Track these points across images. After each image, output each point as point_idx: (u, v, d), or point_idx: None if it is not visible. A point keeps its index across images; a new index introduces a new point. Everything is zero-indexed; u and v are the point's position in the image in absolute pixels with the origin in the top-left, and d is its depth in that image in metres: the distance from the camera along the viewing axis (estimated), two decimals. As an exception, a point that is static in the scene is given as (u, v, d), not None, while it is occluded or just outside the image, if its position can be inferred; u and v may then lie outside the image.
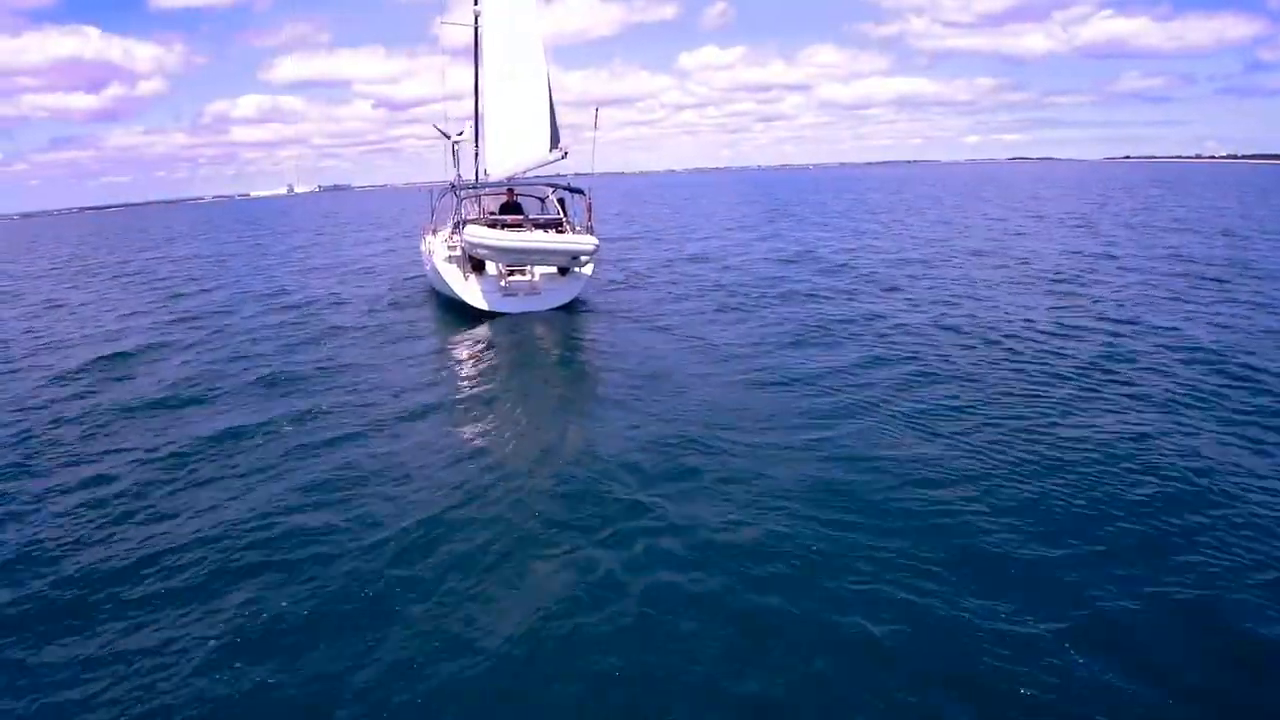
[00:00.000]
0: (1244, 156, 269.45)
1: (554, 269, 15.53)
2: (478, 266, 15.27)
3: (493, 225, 15.22)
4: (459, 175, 16.63)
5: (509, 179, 18.02)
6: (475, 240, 14.23)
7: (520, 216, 15.97)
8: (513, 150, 17.49)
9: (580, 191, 16.33)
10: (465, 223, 15.48)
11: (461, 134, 17.06)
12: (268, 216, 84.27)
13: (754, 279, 19.24)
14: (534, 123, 16.78)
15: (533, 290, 15.24)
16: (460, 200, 17.33)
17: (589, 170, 16.07)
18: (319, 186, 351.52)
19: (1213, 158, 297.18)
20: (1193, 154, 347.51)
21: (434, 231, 17.90)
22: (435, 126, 17.64)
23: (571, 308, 15.34)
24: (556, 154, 16.29)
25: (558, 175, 17.03)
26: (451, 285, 15.22)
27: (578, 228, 15.85)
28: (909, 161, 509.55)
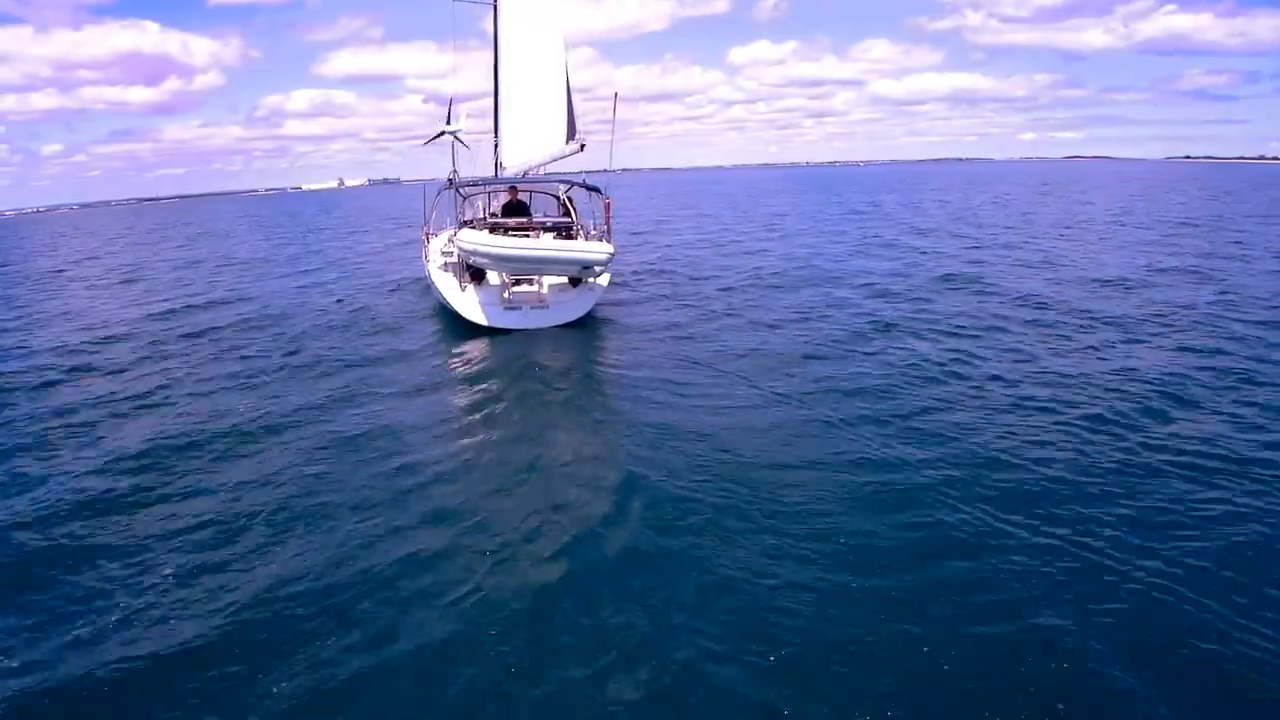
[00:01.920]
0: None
1: (564, 279, 13.52)
2: (476, 275, 13.40)
3: (493, 229, 13.28)
4: (455, 171, 14.57)
5: (524, 174, 16.37)
6: (469, 246, 12.33)
7: (524, 219, 13.99)
8: (528, 143, 16.22)
9: (597, 190, 14.39)
10: (463, 225, 13.61)
11: (456, 125, 14.83)
12: (306, 211, 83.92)
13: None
14: (550, 114, 15.37)
15: (539, 303, 13.26)
16: (464, 199, 15.51)
17: (614, 165, 14.08)
18: (368, 180, 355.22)
19: (1276, 159, 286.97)
20: (1256, 155, 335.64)
21: (434, 234, 16.03)
22: (430, 141, 15.87)
23: (585, 324, 13.34)
24: (572, 146, 14.46)
25: (576, 172, 15.09)
26: (446, 296, 13.36)
27: (592, 232, 13.86)
28: (961, 159, 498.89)
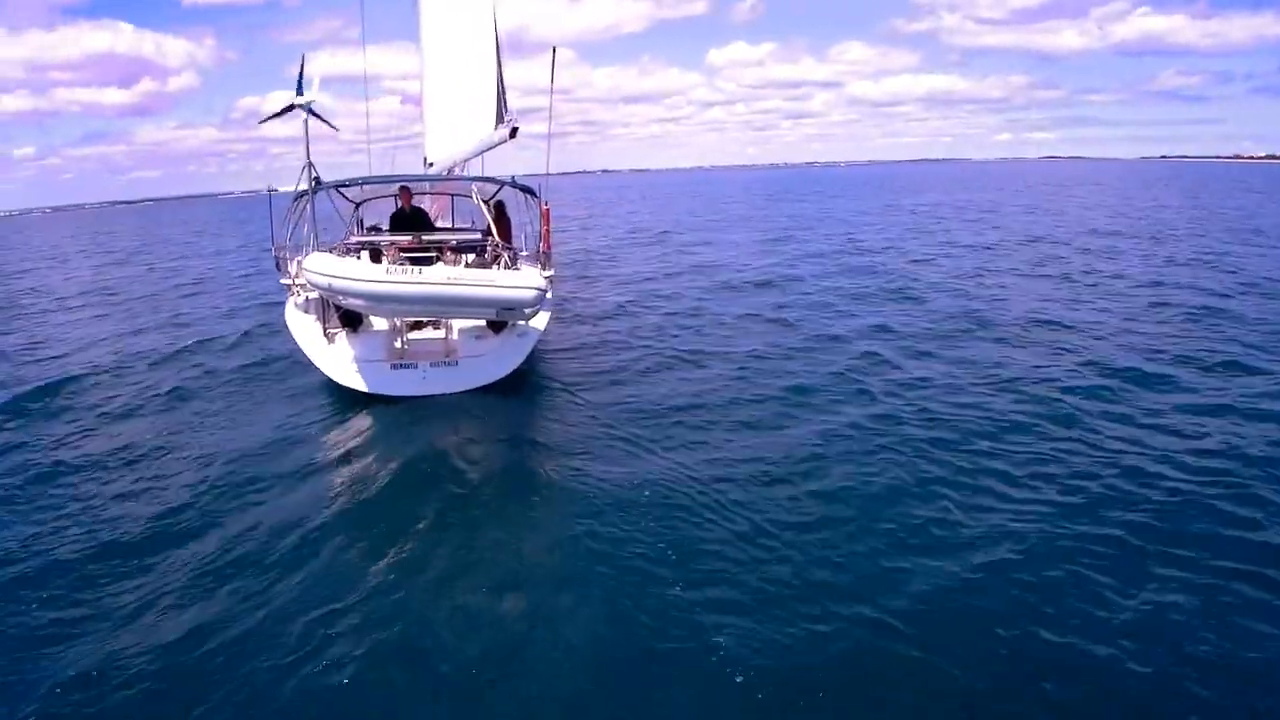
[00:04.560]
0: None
1: (481, 321, 9.31)
2: (350, 319, 9.10)
3: (372, 252, 8.99)
4: (311, 164, 9.37)
5: (449, 171, 12.46)
6: (320, 279, 7.97)
7: (416, 235, 9.57)
8: (455, 133, 12.05)
9: (531, 191, 10.26)
10: (346, 247, 9.32)
11: (308, 95, 9.25)
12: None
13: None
14: (479, 96, 11.13)
15: (446, 358, 9.02)
16: (356, 206, 11.30)
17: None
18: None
19: (1251, 158, 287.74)
20: (1230, 154, 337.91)
21: (293, 258, 10.20)
22: (271, 118, 10.13)
23: (515, 386, 9.13)
24: (502, 132, 10.23)
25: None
26: (306, 349, 9.11)
27: (522, 253, 9.71)
28: (939, 160, 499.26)
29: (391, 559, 5.66)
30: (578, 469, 7.11)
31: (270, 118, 9.57)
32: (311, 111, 9.17)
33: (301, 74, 9.22)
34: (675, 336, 12.58)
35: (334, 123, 10.65)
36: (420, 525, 6.17)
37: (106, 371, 11.60)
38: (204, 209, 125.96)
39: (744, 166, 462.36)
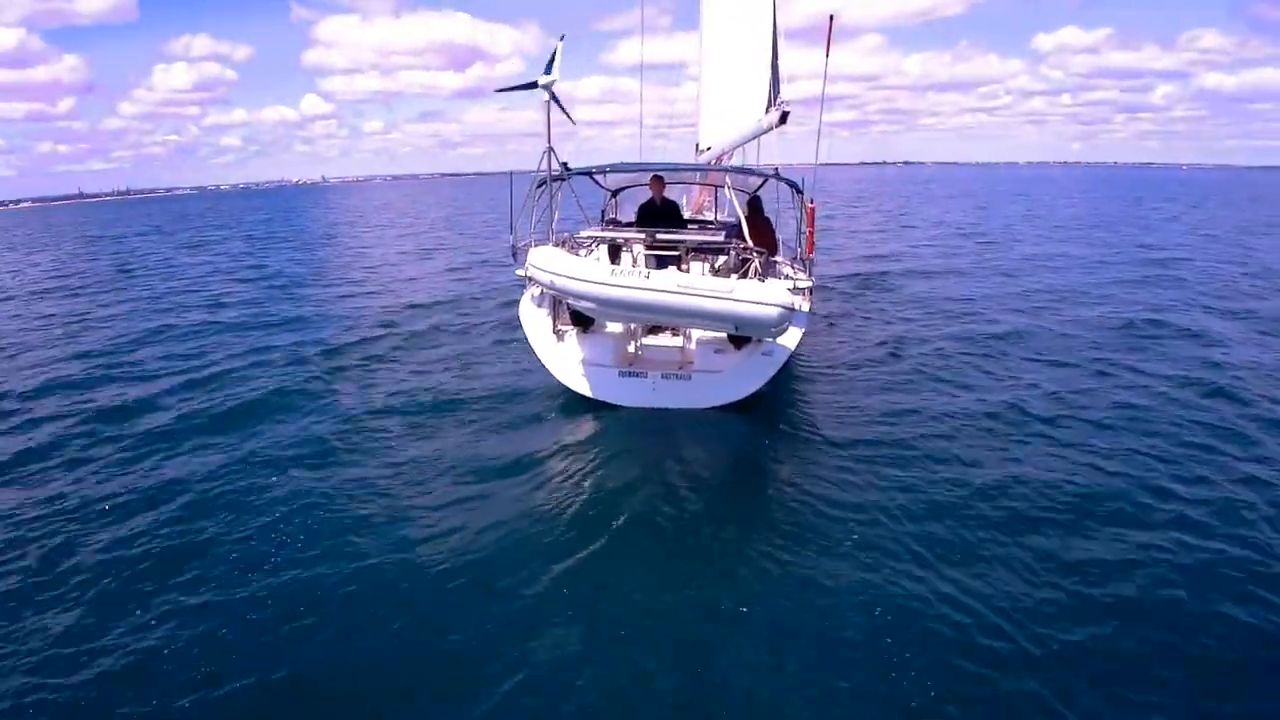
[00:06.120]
0: None
1: (722, 333, 8.20)
2: (581, 318, 8.38)
3: (612, 246, 8.22)
4: (552, 149, 8.66)
5: (718, 160, 11.55)
6: (541, 276, 7.35)
7: (658, 230, 8.49)
8: (728, 117, 11.12)
9: (796, 187, 8.97)
10: (576, 241, 8.67)
11: (551, 76, 8.41)
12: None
13: None
14: (752, 78, 10.00)
15: (679, 371, 8.06)
16: (612, 195, 10.70)
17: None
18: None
19: None
20: None
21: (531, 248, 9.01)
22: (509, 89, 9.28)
23: (756, 407, 7.97)
24: (771, 117, 8.93)
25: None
26: (534, 346, 8.54)
27: (777, 260, 8.48)
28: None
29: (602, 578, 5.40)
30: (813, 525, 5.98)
31: (509, 89, 9.07)
32: (553, 96, 8.43)
33: (553, 57, 8.50)
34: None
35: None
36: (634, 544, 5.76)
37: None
38: (516, 184, 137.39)
39: (1065, 164, 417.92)
